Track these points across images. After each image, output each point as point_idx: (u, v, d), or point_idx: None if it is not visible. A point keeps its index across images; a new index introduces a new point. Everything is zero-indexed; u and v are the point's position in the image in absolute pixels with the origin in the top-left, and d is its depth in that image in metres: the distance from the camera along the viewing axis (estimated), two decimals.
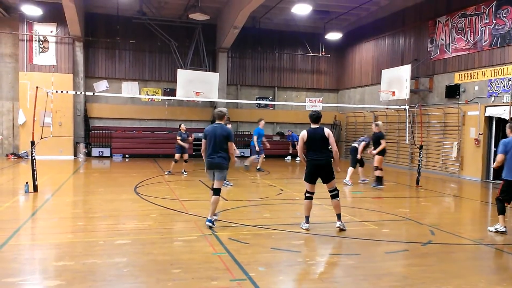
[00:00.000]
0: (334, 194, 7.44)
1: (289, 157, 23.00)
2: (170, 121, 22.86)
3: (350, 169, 13.58)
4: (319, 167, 7.34)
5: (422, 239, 7.02)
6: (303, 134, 7.41)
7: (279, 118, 25.08)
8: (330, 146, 7.43)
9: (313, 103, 25.37)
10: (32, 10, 18.78)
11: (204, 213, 8.16)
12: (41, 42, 20.51)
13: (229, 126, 12.23)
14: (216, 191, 7.51)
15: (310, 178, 7.42)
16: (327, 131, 7.41)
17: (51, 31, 20.58)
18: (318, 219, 8.71)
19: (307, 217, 7.54)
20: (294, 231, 7.34)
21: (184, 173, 14.99)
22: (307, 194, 7.49)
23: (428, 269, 5.58)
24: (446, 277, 5.32)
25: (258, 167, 16.48)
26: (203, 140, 7.63)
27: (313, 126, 7.44)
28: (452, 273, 5.49)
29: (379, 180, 12.90)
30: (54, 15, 19.92)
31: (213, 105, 23.38)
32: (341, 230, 7.36)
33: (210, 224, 7.32)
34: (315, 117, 7.44)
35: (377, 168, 12.84)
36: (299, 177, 15.65)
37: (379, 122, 13.14)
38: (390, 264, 5.93)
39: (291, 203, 10.24)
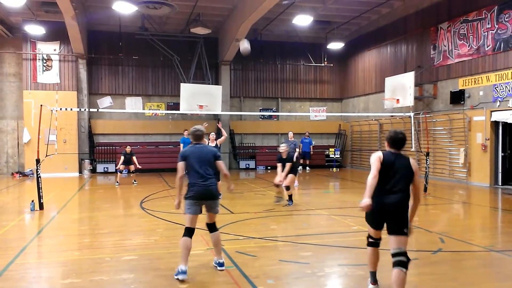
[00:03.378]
0: (399, 261, 4.62)
1: (300, 167, 22.33)
2: (174, 135, 22.86)
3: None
4: (391, 207, 4.72)
5: (432, 247, 6.93)
6: (380, 156, 4.89)
7: (283, 129, 24.99)
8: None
9: (317, 112, 25.37)
10: (35, 30, 18.92)
11: None
12: (44, 61, 20.66)
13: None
14: (214, 227, 5.94)
15: (375, 221, 4.94)
16: (414, 164, 4.98)
17: (54, 50, 20.73)
18: (326, 230, 8.63)
19: (374, 274, 5.18)
20: (301, 243, 7.25)
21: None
22: (370, 240, 5.12)
23: (439, 278, 5.50)
24: (457, 285, 5.24)
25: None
26: (181, 163, 5.75)
27: (392, 151, 5.02)
28: (463, 281, 5.41)
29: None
30: (57, 33, 20.08)
31: (217, 117, 23.41)
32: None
33: (223, 268, 5.84)
34: (401, 139, 5.04)
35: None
36: (307, 188, 15.59)
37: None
38: None
39: (297, 215, 10.17)
